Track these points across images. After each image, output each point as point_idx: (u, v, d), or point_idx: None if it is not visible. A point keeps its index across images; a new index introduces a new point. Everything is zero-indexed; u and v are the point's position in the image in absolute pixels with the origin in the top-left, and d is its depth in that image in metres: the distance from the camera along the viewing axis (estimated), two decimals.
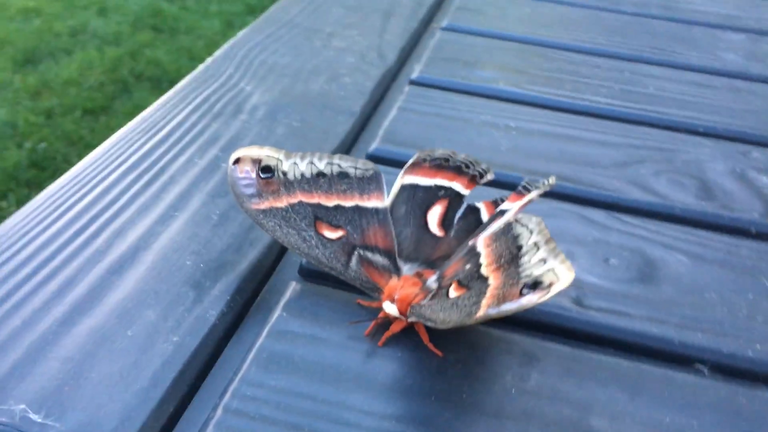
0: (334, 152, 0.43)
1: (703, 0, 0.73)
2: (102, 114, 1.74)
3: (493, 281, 0.26)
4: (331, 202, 0.33)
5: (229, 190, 0.32)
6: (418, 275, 0.31)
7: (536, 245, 0.25)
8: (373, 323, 0.31)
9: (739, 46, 0.62)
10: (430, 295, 0.29)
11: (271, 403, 0.27)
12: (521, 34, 0.61)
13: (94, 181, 0.38)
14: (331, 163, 0.34)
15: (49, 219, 0.35)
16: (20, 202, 1.33)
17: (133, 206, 0.37)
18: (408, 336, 0.31)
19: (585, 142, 0.46)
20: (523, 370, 0.30)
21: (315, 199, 0.33)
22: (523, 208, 0.29)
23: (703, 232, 0.39)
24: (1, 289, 0.31)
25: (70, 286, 0.31)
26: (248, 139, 0.43)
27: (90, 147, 1.34)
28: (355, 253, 0.31)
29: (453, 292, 0.28)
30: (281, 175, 0.33)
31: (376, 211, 0.33)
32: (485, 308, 0.25)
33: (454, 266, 0.29)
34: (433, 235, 0.32)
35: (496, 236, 0.28)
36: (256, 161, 0.33)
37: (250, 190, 0.32)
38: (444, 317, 0.26)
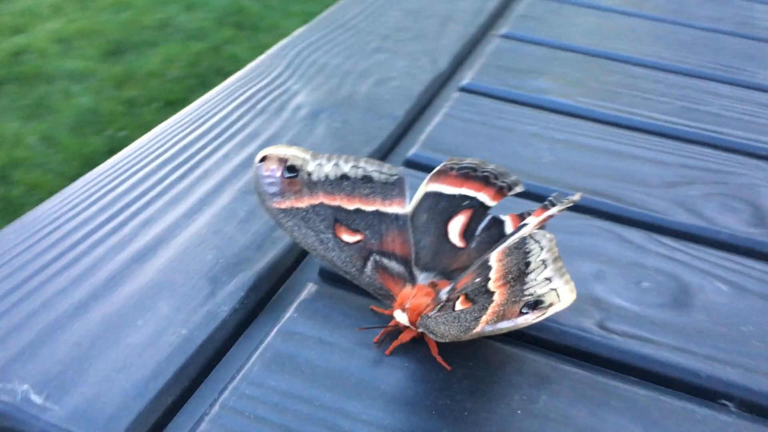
0: (372, 156, 0.42)
1: None
2: (180, 106, 1.79)
3: (498, 297, 0.25)
4: (352, 205, 0.32)
5: (253, 187, 0.32)
6: (433, 285, 0.30)
7: (544, 263, 0.24)
8: (383, 331, 0.30)
9: None
10: (438, 307, 0.28)
11: (268, 404, 0.27)
12: (582, 45, 0.59)
13: (130, 171, 0.39)
14: (356, 167, 0.33)
15: (81, 205, 0.36)
16: None
17: (164, 198, 0.37)
18: (417, 347, 0.30)
19: (634, 159, 0.44)
20: (533, 391, 0.29)
21: (336, 202, 0.32)
22: (542, 223, 0.28)
23: (749, 261, 0.36)
24: (26, 271, 0.32)
25: (92, 272, 0.32)
26: (287, 137, 0.43)
27: None
28: (371, 258, 0.31)
29: (459, 305, 0.27)
30: (305, 176, 0.33)
31: (396, 217, 0.32)
32: (483, 324, 0.24)
33: (466, 279, 0.28)
34: (453, 246, 0.32)
35: (510, 251, 0.27)
36: (283, 160, 0.33)
37: (273, 189, 0.32)
38: (443, 330, 0.25)
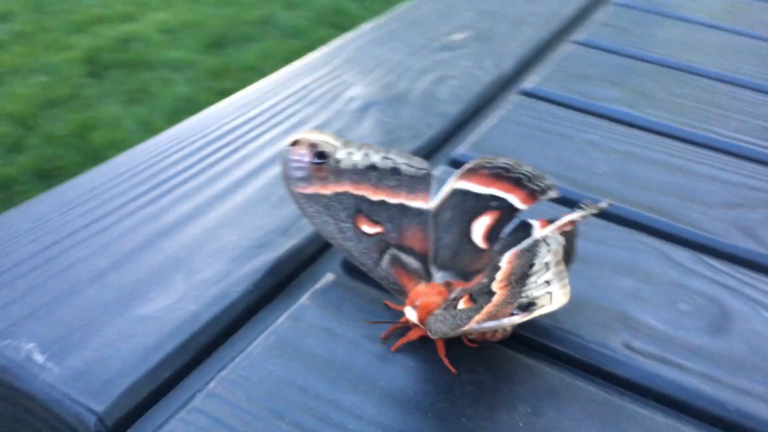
0: (416, 153, 0.42)
1: None
2: None
3: (496, 298, 0.24)
4: (376, 196, 0.32)
5: (281, 170, 0.32)
6: (447, 284, 0.29)
7: (547, 266, 0.23)
8: (392, 327, 0.29)
9: None
10: (444, 305, 0.27)
11: (262, 388, 0.26)
12: (661, 57, 0.57)
13: (173, 150, 0.39)
14: (386, 158, 0.33)
15: (118, 179, 0.37)
16: None
17: (202, 177, 0.37)
18: (425, 346, 0.29)
19: (695, 176, 0.42)
20: (540, 405, 0.27)
21: (361, 192, 0.32)
22: (561, 229, 0.27)
23: None
24: (52, 236, 0.32)
25: (116, 242, 0.33)
26: (333, 127, 0.43)
27: None
28: (389, 251, 0.30)
29: (461, 305, 0.26)
30: (334, 163, 0.32)
31: (419, 212, 0.31)
32: (473, 323, 0.23)
33: (477, 279, 0.27)
34: (475, 246, 0.30)
35: (521, 253, 0.26)
36: (313, 145, 0.33)
37: (300, 173, 0.32)
38: (437, 328, 0.24)
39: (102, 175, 0.37)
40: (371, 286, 0.32)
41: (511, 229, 0.31)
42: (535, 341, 0.30)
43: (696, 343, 0.30)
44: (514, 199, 0.31)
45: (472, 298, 0.25)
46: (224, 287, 0.31)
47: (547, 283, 0.22)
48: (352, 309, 0.30)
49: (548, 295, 0.21)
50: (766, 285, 0.34)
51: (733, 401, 0.28)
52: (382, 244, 0.30)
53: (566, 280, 0.22)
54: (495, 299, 0.23)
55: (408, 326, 0.29)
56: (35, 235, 0.32)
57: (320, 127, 0.42)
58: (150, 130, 1.61)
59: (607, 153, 0.43)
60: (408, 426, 0.26)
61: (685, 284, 0.33)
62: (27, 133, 1.56)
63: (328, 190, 0.32)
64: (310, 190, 0.32)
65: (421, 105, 0.46)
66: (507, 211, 0.31)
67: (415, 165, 0.33)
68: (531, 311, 0.21)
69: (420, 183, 0.32)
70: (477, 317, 0.23)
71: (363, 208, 0.31)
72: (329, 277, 0.32)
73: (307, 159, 0.32)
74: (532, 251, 0.25)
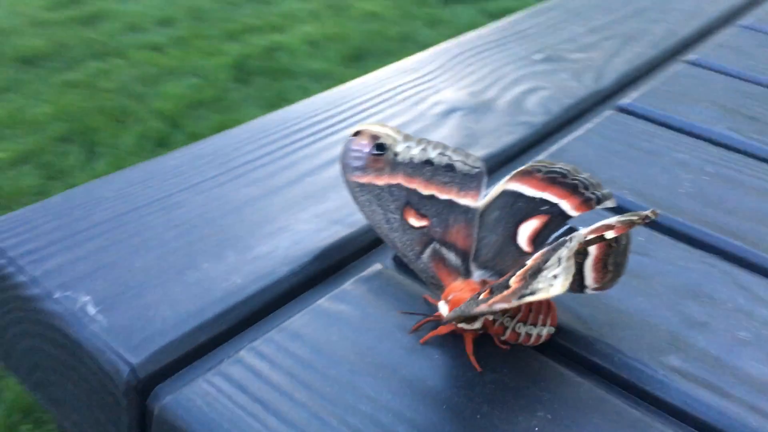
0: (490, 158, 0.41)
1: None
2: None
3: (507, 291, 0.23)
4: (427, 191, 0.32)
5: (339, 158, 0.33)
6: (483, 283, 0.29)
7: (559, 261, 0.22)
8: (424, 320, 0.30)
9: None
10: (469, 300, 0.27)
11: (284, 362, 0.27)
12: None
13: (258, 137, 0.41)
14: (443, 154, 0.33)
15: (200, 160, 0.39)
16: None
17: (273, 166, 0.39)
18: (454, 342, 0.29)
19: None
20: (562, 412, 0.26)
21: (413, 185, 0.32)
22: (596, 233, 0.26)
23: None
24: (127, 204, 0.35)
25: (183, 217, 0.35)
26: (412, 128, 0.43)
27: None
28: (431, 245, 0.30)
29: (481, 298, 0.25)
30: (391, 155, 0.33)
31: (466, 210, 0.31)
32: (474, 310, 0.23)
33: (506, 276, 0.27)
34: (518, 249, 0.30)
35: (548, 252, 0.25)
36: (375, 137, 0.33)
37: (358, 163, 0.33)
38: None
39: (184, 156, 0.39)
40: (416, 281, 0.32)
41: (557, 234, 0.30)
42: (573, 351, 0.29)
43: (748, 372, 0.28)
44: (567, 206, 0.31)
45: (491, 291, 0.25)
46: (272, 266, 0.32)
47: (555, 277, 0.21)
48: (391, 300, 0.31)
49: (548, 289, 0.21)
50: None
51: None
52: (425, 238, 0.31)
53: (570, 274, 0.21)
54: (506, 292, 0.23)
55: (440, 321, 0.29)
56: (115, 203, 0.35)
57: (400, 126, 0.43)
58: None
59: (695, 173, 0.41)
60: (420, 415, 0.26)
61: (749, 311, 0.31)
62: (174, 130, 1.67)
63: (382, 181, 0.32)
64: (364, 179, 0.32)
65: (506, 113, 0.46)
66: (558, 217, 0.31)
67: (470, 163, 0.33)
68: (522, 299, 0.21)
69: (472, 181, 0.32)
70: (482, 306, 0.23)
71: (412, 201, 0.32)
72: (376, 267, 0.33)
73: (366, 150, 0.33)
74: (555, 249, 0.24)
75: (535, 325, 0.29)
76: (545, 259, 0.23)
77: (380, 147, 0.33)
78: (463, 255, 0.30)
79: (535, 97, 0.48)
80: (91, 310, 0.29)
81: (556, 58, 0.53)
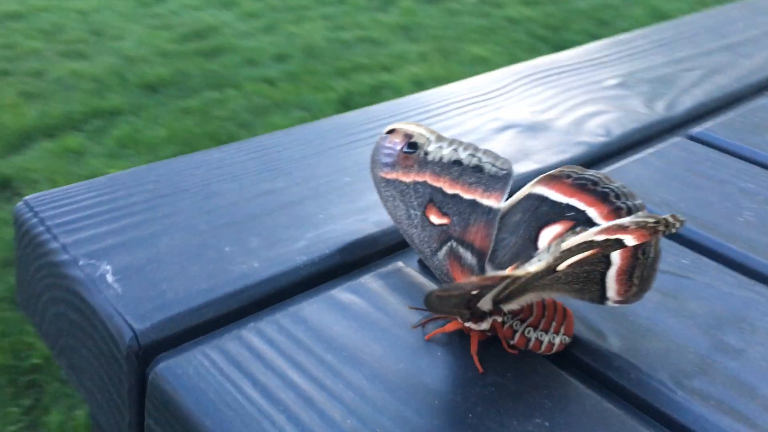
0: (536, 175, 0.40)
1: None
2: None
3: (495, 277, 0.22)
4: (452, 190, 0.31)
5: (370, 153, 0.33)
6: None
7: (548, 248, 0.21)
8: (432, 317, 0.29)
9: None
10: None
11: (282, 345, 0.27)
12: None
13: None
14: (473, 155, 0.32)
15: (237, 157, 0.40)
16: None
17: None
18: (460, 342, 0.28)
19: None
20: (559, 420, 0.25)
21: (439, 184, 0.32)
22: (609, 234, 0.24)
23: None
24: (171, 188, 0.36)
25: (213, 203, 0.35)
26: (466, 138, 0.42)
27: None
28: (449, 244, 0.30)
29: None
30: (422, 154, 0.33)
31: (488, 210, 0.31)
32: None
33: None
34: (536, 252, 0.29)
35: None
36: (408, 136, 0.33)
37: (388, 159, 0.33)
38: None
39: (231, 150, 0.40)
40: (434, 281, 0.31)
41: None
42: (585, 362, 0.28)
43: None
44: (594, 213, 0.29)
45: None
46: (291, 253, 0.32)
47: (539, 260, 0.20)
48: (405, 297, 0.30)
49: (528, 267, 0.20)
50: None
51: None
52: (444, 236, 0.30)
53: (553, 258, 0.20)
54: (499, 272, 0.22)
55: (447, 319, 0.28)
56: (156, 186, 0.36)
57: (454, 135, 0.43)
58: None
59: (759, 203, 0.38)
60: (408, 409, 0.25)
61: None
62: None
63: (409, 178, 0.32)
64: (391, 175, 0.32)
65: (563, 132, 0.44)
66: (584, 224, 0.29)
67: (499, 165, 0.32)
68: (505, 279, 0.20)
69: (498, 182, 0.31)
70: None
71: (436, 199, 0.31)
72: (397, 265, 0.32)
73: (398, 147, 0.33)
74: (562, 240, 0.23)
75: (546, 331, 0.27)
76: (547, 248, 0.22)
77: (412, 146, 0.33)
78: (480, 255, 0.29)
79: (598, 119, 0.46)
80: (110, 278, 0.30)
81: (630, 84, 0.52)
